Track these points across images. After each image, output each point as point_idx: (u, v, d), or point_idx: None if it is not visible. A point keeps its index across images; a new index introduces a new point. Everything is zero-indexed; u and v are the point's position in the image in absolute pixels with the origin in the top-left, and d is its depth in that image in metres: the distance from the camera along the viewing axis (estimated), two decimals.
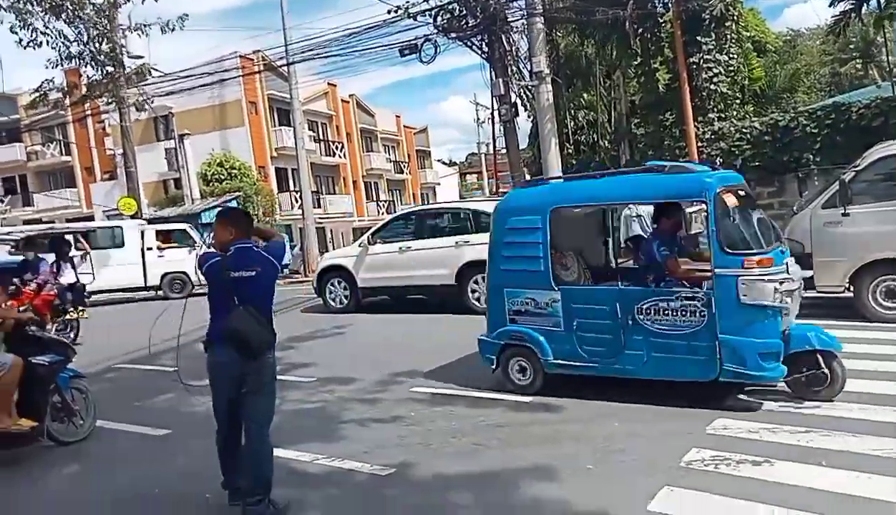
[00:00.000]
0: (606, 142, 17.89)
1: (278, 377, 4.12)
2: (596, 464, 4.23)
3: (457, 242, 10.60)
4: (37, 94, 11.98)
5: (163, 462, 4.82)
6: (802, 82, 26.37)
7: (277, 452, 4.12)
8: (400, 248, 11.11)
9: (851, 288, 7.75)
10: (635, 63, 17.19)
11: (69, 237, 13.18)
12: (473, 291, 10.42)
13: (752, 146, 14.79)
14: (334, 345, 9.11)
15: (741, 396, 5.24)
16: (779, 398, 5.13)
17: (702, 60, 15.35)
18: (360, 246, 11.85)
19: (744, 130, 14.97)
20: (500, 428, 5.03)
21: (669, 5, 15.74)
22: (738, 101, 15.99)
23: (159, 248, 17.48)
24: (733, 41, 15.72)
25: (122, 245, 17.38)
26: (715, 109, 15.55)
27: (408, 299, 11.67)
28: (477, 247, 10.20)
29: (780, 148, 14.42)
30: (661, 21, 16.50)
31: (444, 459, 4.52)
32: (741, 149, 14.89)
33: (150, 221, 20.09)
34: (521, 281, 5.75)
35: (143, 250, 17.39)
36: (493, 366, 5.96)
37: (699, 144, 15.18)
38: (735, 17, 15.63)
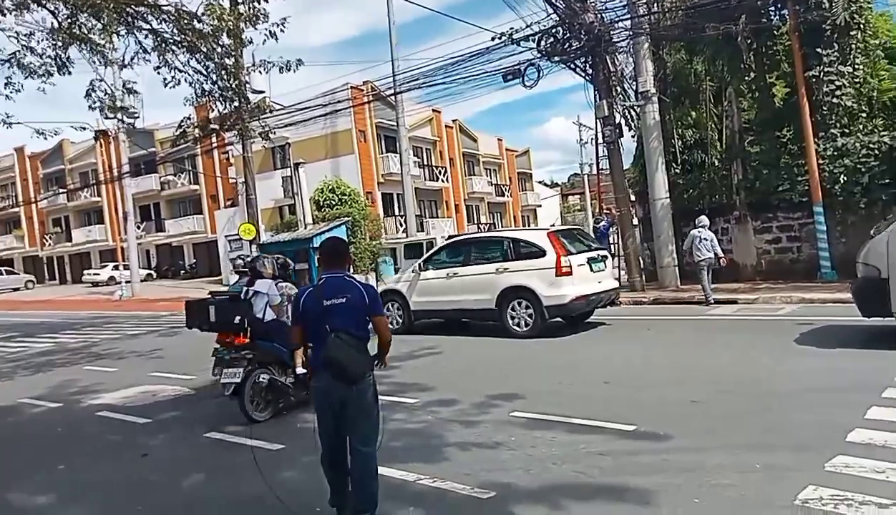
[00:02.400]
0: (717, 162, 17.10)
1: (383, 397, 4.30)
2: (702, 498, 4.09)
3: (497, 269, 11.03)
4: (179, 131, 13.31)
5: (278, 475, 5.13)
6: None
7: (382, 471, 4.29)
8: (447, 274, 11.70)
9: None
10: (748, 78, 16.41)
11: None
12: (512, 317, 10.79)
13: (880, 162, 13.73)
14: (429, 367, 9.30)
15: (865, 431, 4.88)
16: None
17: (822, 73, 14.44)
18: (413, 272, 12.45)
19: (871, 146, 13.90)
20: (602, 457, 4.95)
21: (787, 17, 15.00)
22: (864, 115, 14.88)
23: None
24: (859, 51, 14.68)
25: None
26: (838, 124, 14.55)
27: (458, 322, 12.19)
28: (515, 274, 10.76)
29: None
30: (777, 34, 15.73)
31: (544, 485, 4.51)
32: (868, 165, 13.85)
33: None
34: None
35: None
36: None
37: (820, 161, 14.27)
38: (861, 26, 14.62)
